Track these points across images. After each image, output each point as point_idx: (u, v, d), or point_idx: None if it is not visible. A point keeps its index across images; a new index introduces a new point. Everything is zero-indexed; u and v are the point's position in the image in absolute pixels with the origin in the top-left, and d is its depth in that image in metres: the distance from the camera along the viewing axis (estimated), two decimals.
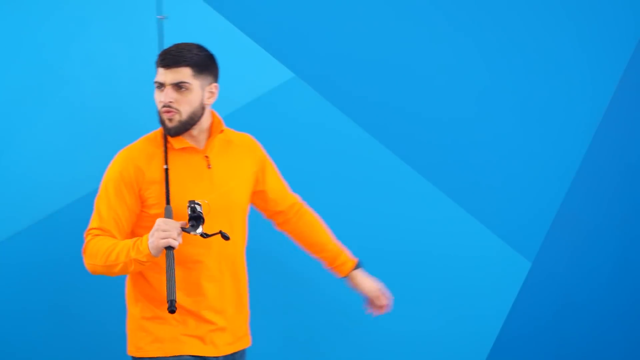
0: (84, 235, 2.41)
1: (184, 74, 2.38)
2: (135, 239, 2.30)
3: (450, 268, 3.18)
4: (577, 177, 3.27)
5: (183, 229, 2.24)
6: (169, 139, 2.43)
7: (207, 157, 2.46)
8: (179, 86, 2.38)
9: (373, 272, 3.12)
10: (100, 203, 2.41)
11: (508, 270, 3.23)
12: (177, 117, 2.39)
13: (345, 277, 2.75)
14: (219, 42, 2.94)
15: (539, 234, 3.25)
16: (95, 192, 2.81)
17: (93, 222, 2.41)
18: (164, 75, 2.38)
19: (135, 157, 2.43)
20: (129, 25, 2.87)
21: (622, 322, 3.33)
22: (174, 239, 2.21)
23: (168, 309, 2.16)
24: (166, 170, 2.39)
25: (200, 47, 2.44)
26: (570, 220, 3.28)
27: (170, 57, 2.39)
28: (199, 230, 2.24)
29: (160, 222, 2.23)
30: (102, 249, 2.32)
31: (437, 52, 3.16)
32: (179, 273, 2.34)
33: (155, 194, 2.40)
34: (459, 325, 3.18)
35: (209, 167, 2.45)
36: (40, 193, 2.79)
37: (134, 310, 2.47)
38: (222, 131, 2.50)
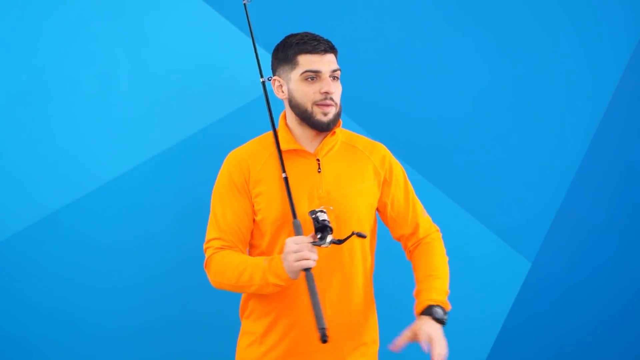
0: (204, 248, 2.32)
1: (335, 61, 2.26)
2: (267, 258, 2.18)
3: (450, 268, 3.18)
4: (577, 177, 3.27)
5: (314, 243, 2.09)
6: (280, 138, 2.29)
7: (318, 160, 2.31)
8: (334, 75, 2.26)
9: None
10: (216, 210, 2.29)
11: (508, 270, 3.23)
12: (333, 110, 2.26)
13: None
14: (219, 42, 2.94)
15: (539, 234, 3.25)
16: (95, 192, 2.82)
17: (211, 232, 2.29)
18: (321, 63, 2.22)
19: (243, 158, 2.31)
20: (129, 25, 2.87)
21: (622, 322, 3.33)
22: (309, 259, 2.08)
23: (320, 339, 2.03)
24: (286, 179, 2.21)
25: None
26: (570, 220, 3.28)
27: (325, 42, 2.25)
28: (329, 239, 2.10)
29: (290, 242, 2.10)
30: (230, 267, 2.21)
31: (437, 52, 3.16)
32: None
33: (260, 199, 2.28)
34: (459, 325, 3.18)
35: (319, 172, 2.30)
36: (40, 193, 2.79)
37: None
38: (333, 133, 2.32)
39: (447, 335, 3.21)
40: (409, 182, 2.48)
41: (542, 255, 3.26)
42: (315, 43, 2.24)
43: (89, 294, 2.84)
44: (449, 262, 3.18)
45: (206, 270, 2.30)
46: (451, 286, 3.19)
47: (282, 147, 2.29)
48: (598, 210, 3.31)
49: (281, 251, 2.20)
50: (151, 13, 2.88)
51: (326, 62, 2.24)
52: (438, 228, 2.55)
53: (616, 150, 3.31)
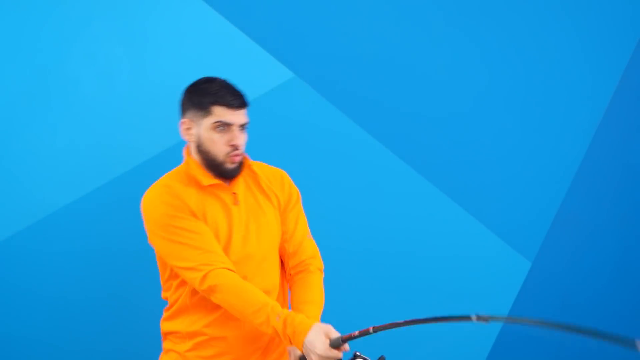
0: (183, 273, 2.28)
1: (246, 114, 2.36)
2: (281, 317, 2.19)
3: (450, 268, 3.19)
4: (577, 177, 3.27)
5: None
6: (196, 176, 2.35)
7: (234, 193, 2.39)
8: (242, 127, 2.35)
9: (373, 272, 3.13)
10: (176, 234, 2.27)
11: (508, 270, 3.23)
12: (240, 159, 2.36)
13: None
14: (219, 42, 2.94)
15: (539, 234, 3.26)
16: (94, 192, 2.82)
17: (198, 258, 2.25)
18: (234, 117, 2.32)
19: (173, 190, 2.33)
20: (130, 25, 2.87)
21: (622, 322, 3.33)
22: None
23: None
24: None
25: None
26: (570, 220, 3.28)
27: (240, 97, 2.34)
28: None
29: (322, 350, 2.15)
30: (249, 296, 2.22)
31: (437, 52, 3.16)
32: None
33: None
34: (459, 325, 3.18)
35: (237, 204, 2.38)
36: (41, 193, 2.79)
37: None
38: (248, 166, 2.43)
39: (448, 335, 3.23)
40: (300, 205, 2.55)
41: (542, 255, 3.26)
42: (232, 98, 2.33)
43: (89, 294, 2.84)
44: (449, 263, 3.19)
45: (210, 284, 2.25)
46: (451, 286, 3.20)
47: (204, 182, 2.35)
48: (598, 210, 3.31)
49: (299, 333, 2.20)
50: (151, 13, 2.88)
51: (238, 116, 2.34)
52: (322, 264, 2.54)
53: (616, 150, 3.31)
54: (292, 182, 2.54)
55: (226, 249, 2.34)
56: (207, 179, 2.36)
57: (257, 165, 2.49)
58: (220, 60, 2.94)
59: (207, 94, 2.35)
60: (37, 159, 2.79)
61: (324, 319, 3.10)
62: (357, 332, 2.17)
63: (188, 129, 2.38)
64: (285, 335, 2.19)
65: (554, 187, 3.27)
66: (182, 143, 2.90)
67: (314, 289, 2.44)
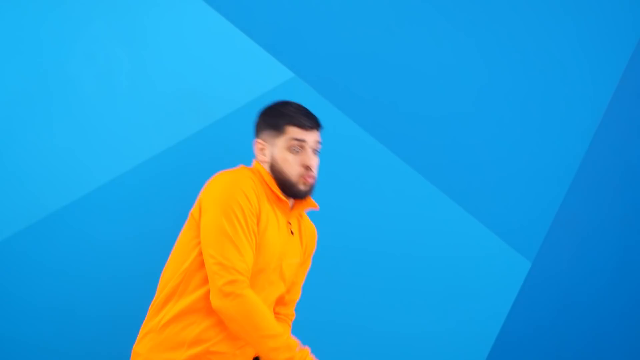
0: (220, 270, 2.23)
1: (319, 138, 2.43)
2: (301, 351, 2.25)
3: (450, 268, 3.19)
4: (577, 177, 3.27)
5: None
6: (272, 187, 2.38)
7: (289, 223, 2.44)
8: (315, 151, 2.41)
9: (373, 272, 3.13)
10: (235, 230, 2.24)
11: (508, 270, 3.23)
12: (313, 182, 2.41)
13: None
14: (219, 42, 2.94)
15: (539, 234, 3.26)
16: (95, 191, 2.82)
17: (232, 255, 2.22)
18: (308, 136, 2.38)
19: (253, 188, 2.32)
20: (130, 25, 2.87)
21: (622, 322, 3.33)
22: None
23: None
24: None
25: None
26: (570, 220, 3.28)
27: (314, 119, 2.40)
28: None
29: None
30: (269, 319, 2.24)
31: (437, 52, 3.16)
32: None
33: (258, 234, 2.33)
34: (459, 325, 3.18)
35: (292, 234, 2.44)
36: (41, 192, 2.79)
37: None
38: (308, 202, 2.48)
39: (448, 335, 3.23)
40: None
41: (542, 255, 3.26)
42: (306, 119, 2.39)
43: (89, 294, 2.84)
44: (449, 262, 3.19)
45: (237, 299, 2.22)
46: (451, 286, 3.20)
47: (281, 195, 2.40)
48: (598, 210, 3.31)
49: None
50: (151, 13, 2.88)
51: (311, 137, 2.40)
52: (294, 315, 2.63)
53: (616, 150, 3.31)
54: (315, 244, 2.62)
55: (268, 265, 2.35)
56: (281, 193, 2.39)
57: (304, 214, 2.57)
58: (220, 60, 2.94)
59: (282, 115, 2.40)
60: (37, 159, 2.79)
61: (324, 320, 3.12)
62: None
63: (262, 149, 2.42)
64: None
65: (554, 187, 3.27)
66: (182, 143, 2.90)
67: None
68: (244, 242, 2.24)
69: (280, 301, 2.55)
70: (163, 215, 2.88)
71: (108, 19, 2.85)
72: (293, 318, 2.63)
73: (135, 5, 2.87)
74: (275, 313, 2.56)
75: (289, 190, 2.39)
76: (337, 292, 3.05)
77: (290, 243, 2.43)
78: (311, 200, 2.49)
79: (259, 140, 2.43)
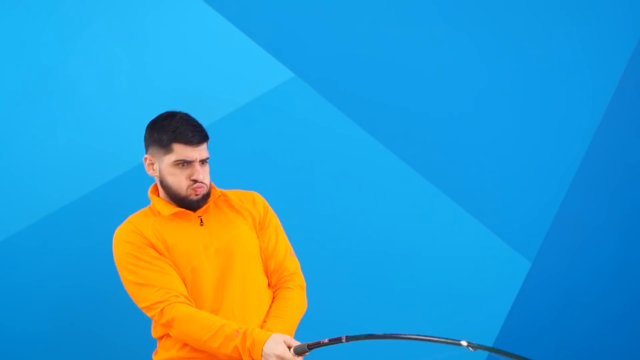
0: (148, 313, 2.36)
1: (206, 149, 2.42)
2: (239, 333, 2.25)
3: (450, 268, 3.19)
4: (577, 177, 3.27)
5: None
6: (157, 208, 2.43)
7: (199, 217, 2.45)
8: (203, 161, 2.41)
9: (373, 272, 3.13)
10: (138, 275, 2.35)
11: (508, 270, 3.23)
12: (204, 190, 2.41)
13: None
14: (219, 42, 2.94)
15: (539, 234, 3.26)
16: (94, 192, 2.82)
17: (147, 293, 2.33)
18: (194, 153, 2.37)
19: (134, 226, 2.41)
20: (129, 25, 2.87)
21: (622, 322, 3.33)
22: None
23: None
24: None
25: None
26: (570, 220, 3.28)
27: (199, 133, 2.39)
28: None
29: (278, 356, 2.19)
30: (202, 323, 2.29)
31: (437, 52, 3.16)
32: None
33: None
34: (459, 325, 3.18)
35: (202, 225, 2.44)
36: (41, 193, 2.79)
37: None
38: (219, 196, 2.49)
39: (448, 335, 3.22)
40: (278, 223, 2.59)
41: (542, 255, 3.26)
42: (190, 135, 2.37)
43: (89, 294, 2.84)
44: (449, 263, 3.19)
45: (166, 320, 2.32)
46: (451, 286, 3.20)
47: (164, 213, 2.41)
48: (598, 210, 3.31)
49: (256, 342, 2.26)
50: (151, 13, 2.89)
51: (198, 152, 2.38)
52: (303, 281, 2.57)
53: (616, 150, 3.31)
54: (266, 202, 2.58)
55: (197, 269, 2.38)
56: (168, 209, 2.42)
57: (230, 191, 2.55)
58: (220, 60, 2.95)
59: (166, 131, 2.39)
60: (37, 159, 2.79)
61: (323, 320, 3.12)
62: (326, 340, 2.20)
63: (151, 164, 2.44)
64: (244, 349, 2.24)
65: (554, 187, 3.27)
66: None
67: (285, 304, 2.48)
68: (150, 276, 2.34)
69: (270, 276, 2.53)
70: None
71: (108, 19, 2.85)
72: (295, 282, 2.54)
73: (135, 5, 2.87)
74: (276, 288, 2.53)
75: (182, 202, 2.41)
76: (337, 292, 3.05)
77: (205, 234, 2.42)
78: (213, 191, 2.48)
79: (147, 156, 2.45)
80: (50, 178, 2.80)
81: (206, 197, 2.44)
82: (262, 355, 2.22)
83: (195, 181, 2.38)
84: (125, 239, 2.40)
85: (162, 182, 2.43)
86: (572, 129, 3.27)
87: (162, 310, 2.32)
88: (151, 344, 2.87)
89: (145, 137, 2.47)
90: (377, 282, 3.13)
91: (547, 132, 3.25)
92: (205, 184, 2.41)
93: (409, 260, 3.16)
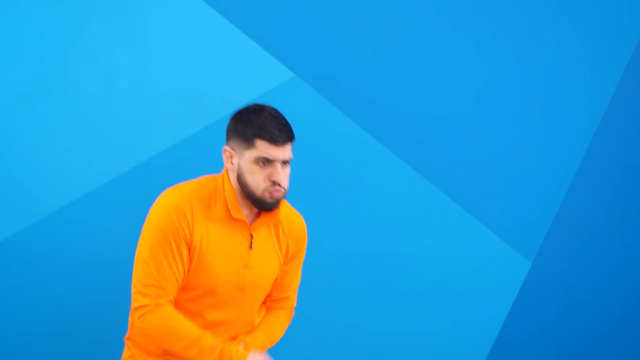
0: (135, 294, 2.28)
1: (290, 150, 2.29)
2: (217, 348, 2.22)
3: (450, 268, 3.19)
4: (577, 177, 3.27)
5: None
6: (228, 204, 2.31)
7: (251, 235, 2.35)
8: (286, 163, 2.30)
9: (372, 272, 3.13)
10: (155, 256, 2.25)
11: (508, 270, 3.23)
12: (281, 195, 2.30)
13: None
14: (219, 42, 2.94)
15: (539, 234, 3.25)
16: (95, 191, 2.82)
17: (147, 278, 2.24)
18: (277, 152, 2.24)
19: (187, 206, 2.28)
20: (129, 25, 2.87)
21: (622, 322, 3.33)
22: None
23: None
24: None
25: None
26: (570, 220, 3.28)
27: (285, 132, 2.26)
28: None
29: None
30: (179, 332, 2.24)
31: (437, 52, 3.16)
32: None
33: (194, 258, 2.30)
34: (459, 325, 3.18)
35: (251, 249, 2.35)
36: (41, 193, 2.79)
37: None
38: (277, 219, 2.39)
39: (448, 335, 3.22)
40: (304, 257, 2.56)
41: (542, 255, 3.26)
42: (277, 133, 2.24)
43: (89, 294, 2.84)
44: (449, 262, 3.19)
45: (137, 321, 2.27)
46: (451, 286, 3.20)
47: (234, 215, 2.32)
48: (598, 210, 3.31)
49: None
50: (151, 13, 2.88)
51: (282, 152, 2.26)
52: (294, 306, 2.59)
53: (616, 150, 3.31)
54: (306, 236, 2.51)
55: (217, 290, 2.33)
56: (237, 212, 2.32)
57: (283, 207, 2.42)
58: (220, 60, 2.94)
59: (252, 125, 2.26)
60: (37, 159, 2.79)
61: (323, 320, 3.12)
62: None
63: (230, 157, 2.32)
64: None
65: (554, 187, 3.27)
66: (182, 143, 2.90)
67: (270, 321, 2.48)
68: (164, 267, 2.25)
69: (269, 298, 2.52)
70: None
71: (108, 19, 2.85)
72: (288, 305, 2.55)
73: (135, 5, 2.87)
74: (268, 307, 2.53)
75: (255, 203, 2.31)
76: (336, 292, 3.05)
77: (250, 257, 2.35)
78: (282, 205, 2.39)
79: (227, 148, 2.33)
80: (50, 178, 2.80)
81: (280, 201, 2.32)
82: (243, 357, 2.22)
83: (274, 183, 2.26)
84: (173, 217, 2.26)
85: (239, 178, 2.30)
86: (572, 129, 3.27)
87: (145, 305, 2.24)
88: None
89: (228, 127, 2.35)
90: (376, 282, 3.13)
91: (547, 132, 3.25)
92: (284, 188, 2.29)
93: (408, 260, 3.16)
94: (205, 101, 2.91)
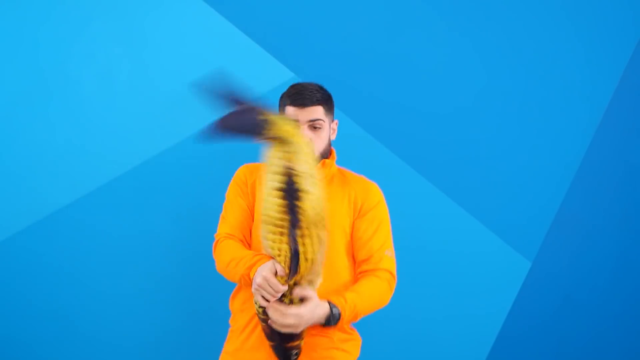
0: (215, 236, 2.49)
1: (318, 112, 2.47)
2: (257, 259, 2.31)
3: (450, 268, 3.18)
4: (577, 177, 3.27)
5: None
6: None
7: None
8: (314, 125, 2.47)
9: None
10: (225, 204, 2.51)
11: (508, 270, 3.23)
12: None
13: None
14: (219, 42, 2.94)
15: (539, 234, 3.25)
16: (95, 191, 2.83)
17: (221, 227, 2.49)
18: (300, 114, 2.46)
19: (256, 167, 2.53)
20: (129, 25, 2.87)
21: (622, 322, 3.33)
22: (264, 298, 2.23)
23: None
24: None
25: (322, 86, 2.54)
26: (570, 220, 3.28)
27: (309, 96, 2.46)
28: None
29: (264, 282, 2.21)
30: (227, 253, 2.40)
31: (437, 51, 3.16)
32: None
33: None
34: (459, 324, 3.18)
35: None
36: (41, 192, 2.79)
37: None
38: (333, 175, 2.53)
39: (448, 334, 3.22)
40: (386, 219, 2.58)
41: (542, 255, 3.26)
42: (299, 98, 2.46)
43: (90, 294, 2.85)
44: (449, 262, 3.19)
45: (213, 255, 2.47)
46: (451, 286, 3.20)
47: None
48: (598, 210, 3.31)
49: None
50: (151, 13, 2.89)
51: (306, 114, 2.46)
52: (394, 277, 2.55)
53: (616, 150, 3.31)
54: (382, 197, 2.58)
55: None
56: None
57: (352, 173, 2.60)
58: (221, 60, 2.95)
59: (282, 96, 2.52)
60: (37, 159, 2.79)
61: None
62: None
63: None
64: (248, 278, 2.30)
65: (554, 187, 3.27)
66: (182, 143, 2.90)
67: (361, 282, 2.46)
68: (228, 212, 2.49)
69: (358, 265, 2.53)
70: (163, 215, 2.88)
71: (108, 19, 2.85)
72: (380, 268, 2.51)
73: (135, 5, 2.87)
74: (362, 274, 2.51)
75: None
76: None
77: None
78: (329, 165, 2.54)
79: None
80: (51, 178, 2.80)
81: (316, 161, 2.38)
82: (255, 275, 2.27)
83: None
84: (235, 179, 2.53)
85: None
86: (572, 129, 3.27)
87: (213, 246, 2.46)
88: (151, 344, 2.88)
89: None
90: None
91: (547, 132, 3.25)
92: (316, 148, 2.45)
93: (408, 260, 3.16)
94: (206, 101, 2.91)
